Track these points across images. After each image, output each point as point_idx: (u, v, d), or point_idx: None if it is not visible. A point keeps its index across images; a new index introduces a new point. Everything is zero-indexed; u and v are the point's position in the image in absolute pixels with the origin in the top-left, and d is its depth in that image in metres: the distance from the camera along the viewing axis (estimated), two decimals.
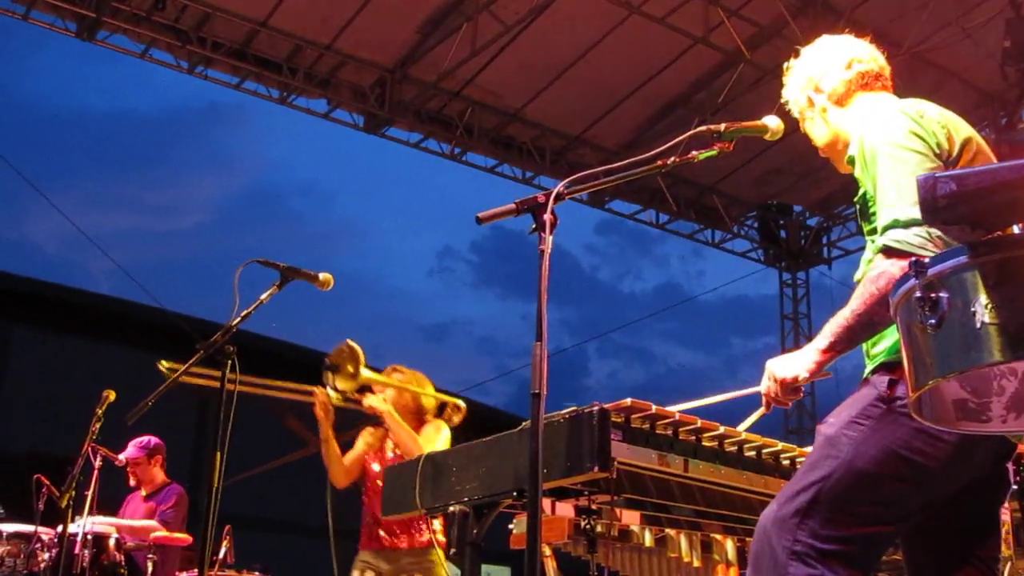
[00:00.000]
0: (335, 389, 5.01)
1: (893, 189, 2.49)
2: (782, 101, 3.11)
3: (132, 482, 7.11)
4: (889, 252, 2.45)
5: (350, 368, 4.99)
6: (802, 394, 2.76)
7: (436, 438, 5.34)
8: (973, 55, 11.19)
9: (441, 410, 5.57)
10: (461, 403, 5.55)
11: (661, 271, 69.20)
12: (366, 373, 5.03)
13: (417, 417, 5.49)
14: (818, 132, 3.01)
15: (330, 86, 12.19)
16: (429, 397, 5.54)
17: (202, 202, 65.36)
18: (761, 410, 2.99)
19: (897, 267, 2.40)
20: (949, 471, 2.48)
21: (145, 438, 7.03)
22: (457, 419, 5.50)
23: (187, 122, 60.84)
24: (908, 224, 2.42)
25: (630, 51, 11.62)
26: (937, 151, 2.55)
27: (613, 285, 68.27)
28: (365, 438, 5.63)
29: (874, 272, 2.48)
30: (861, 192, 2.67)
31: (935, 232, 2.38)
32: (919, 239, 2.40)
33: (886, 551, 2.72)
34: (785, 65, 3.09)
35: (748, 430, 3.41)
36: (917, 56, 10.84)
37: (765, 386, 2.77)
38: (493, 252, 66.70)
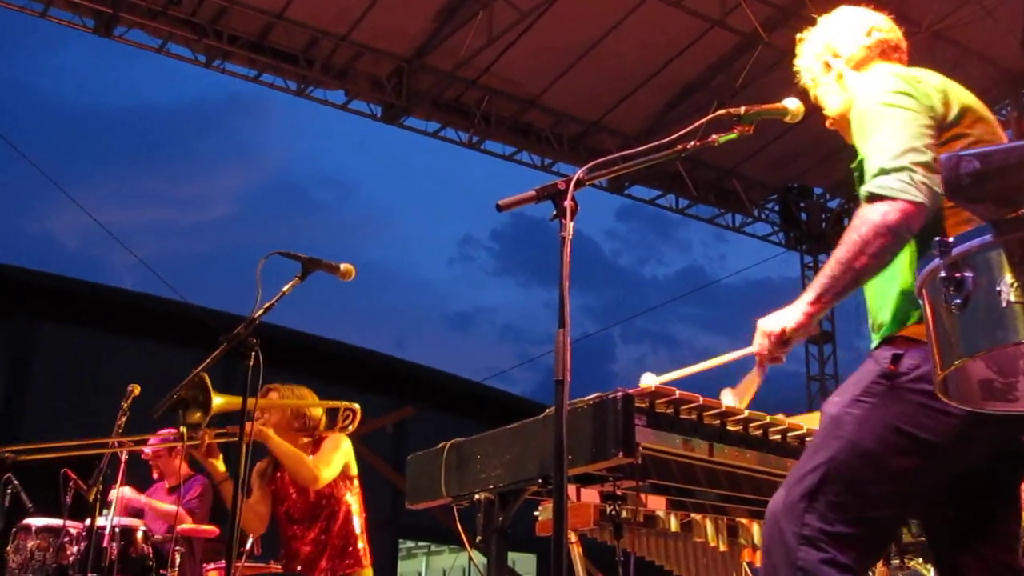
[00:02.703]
0: (188, 425, 4.44)
1: (881, 140, 2.49)
2: (795, 69, 3.08)
3: (156, 475, 7.13)
4: (872, 198, 2.44)
5: (200, 398, 4.44)
6: (791, 347, 2.72)
7: (333, 457, 4.96)
8: (993, 33, 11.10)
9: (333, 419, 5.15)
10: (355, 406, 5.13)
11: (683, 255, 69.27)
12: (218, 401, 4.43)
13: (308, 434, 5.12)
14: (832, 100, 2.97)
15: (347, 77, 12.20)
16: (314, 408, 5.12)
17: (224, 195, 65.85)
18: (754, 371, 2.94)
19: (878, 212, 2.40)
20: (957, 447, 2.43)
21: (165, 431, 7.02)
22: (353, 426, 5.11)
23: (207, 115, 61.23)
24: (891, 171, 2.42)
25: (647, 35, 11.57)
26: (931, 113, 2.54)
27: (635, 270, 68.40)
28: (258, 469, 5.18)
29: (857, 220, 2.46)
30: (859, 159, 2.64)
31: (918, 176, 2.39)
32: (900, 183, 2.39)
33: (898, 531, 2.69)
34: (798, 36, 3.07)
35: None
36: (937, 35, 10.76)
37: (758, 344, 2.74)
38: (514, 240, 66.90)
